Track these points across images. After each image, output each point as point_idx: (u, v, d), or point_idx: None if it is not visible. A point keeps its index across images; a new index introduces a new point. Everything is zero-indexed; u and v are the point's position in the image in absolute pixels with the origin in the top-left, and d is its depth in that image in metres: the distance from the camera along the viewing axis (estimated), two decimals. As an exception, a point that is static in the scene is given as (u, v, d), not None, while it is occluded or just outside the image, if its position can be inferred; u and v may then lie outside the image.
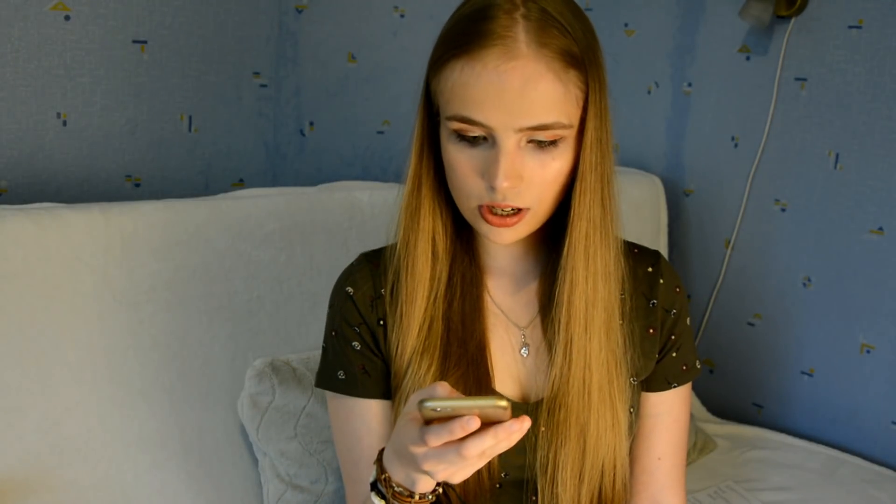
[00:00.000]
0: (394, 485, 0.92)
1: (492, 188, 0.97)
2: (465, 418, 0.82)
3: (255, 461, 1.47)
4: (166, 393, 1.42)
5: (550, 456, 1.05)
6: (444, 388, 0.87)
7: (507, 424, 0.82)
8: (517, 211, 0.99)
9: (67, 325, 1.34)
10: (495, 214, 0.99)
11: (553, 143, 0.97)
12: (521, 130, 0.95)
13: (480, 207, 0.99)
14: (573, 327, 1.04)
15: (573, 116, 0.98)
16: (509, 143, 0.96)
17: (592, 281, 1.03)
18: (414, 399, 0.88)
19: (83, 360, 1.35)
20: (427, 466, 0.86)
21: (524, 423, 0.83)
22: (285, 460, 1.42)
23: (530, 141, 0.97)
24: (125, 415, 1.38)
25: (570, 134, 0.98)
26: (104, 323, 1.37)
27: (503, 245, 1.03)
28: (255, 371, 1.42)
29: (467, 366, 1.05)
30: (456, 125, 0.97)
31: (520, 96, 0.94)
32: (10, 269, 1.30)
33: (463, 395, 0.84)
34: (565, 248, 1.03)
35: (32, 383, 1.31)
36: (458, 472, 0.87)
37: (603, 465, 1.06)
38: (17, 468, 1.29)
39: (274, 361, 1.44)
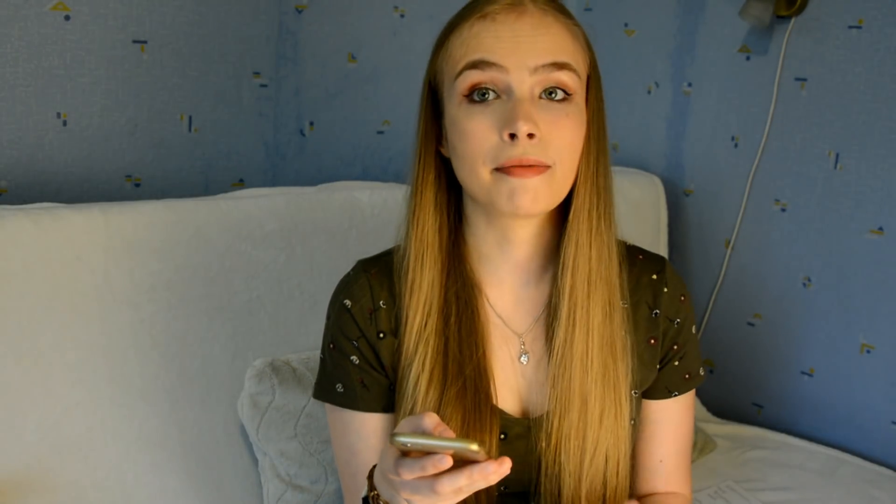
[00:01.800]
0: (381, 502, 0.92)
1: (512, 137, 0.96)
2: (438, 457, 0.81)
3: (255, 461, 1.47)
4: (166, 393, 1.42)
5: (550, 469, 1.05)
6: (431, 419, 0.85)
7: (482, 466, 0.81)
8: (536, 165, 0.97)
9: (67, 325, 1.34)
10: (516, 166, 0.96)
11: (564, 98, 0.99)
12: (535, 72, 0.97)
13: (500, 169, 0.97)
14: (577, 293, 1.03)
15: (581, 70, 1.01)
16: (524, 88, 0.97)
17: (596, 249, 1.04)
18: (398, 427, 0.88)
19: (83, 360, 1.35)
20: (404, 495, 0.86)
21: (503, 466, 0.82)
22: (285, 460, 1.42)
23: (542, 97, 0.98)
24: (125, 415, 1.38)
25: (580, 91, 1.00)
26: (104, 323, 1.37)
27: (522, 213, 0.99)
28: (255, 371, 1.42)
29: (464, 384, 1.04)
30: (469, 78, 0.98)
31: (532, 39, 0.97)
32: (10, 269, 1.30)
33: (435, 435, 0.83)
34: (571, 213, 1.03)
35: (32, 383, 1.31)
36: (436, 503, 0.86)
37: (606, 455, 1.05)
38: (17, 468, 1.29)
39: (274, 361, 1.44)
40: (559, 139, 0.98)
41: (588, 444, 1.04)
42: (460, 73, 0.98)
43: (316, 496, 1.43)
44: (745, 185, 2.06)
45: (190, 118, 1.99)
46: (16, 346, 1.30)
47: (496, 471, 0.81)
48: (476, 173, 0.99)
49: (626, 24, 2.23)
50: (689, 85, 2.14)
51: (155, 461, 1.39)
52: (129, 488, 1.37)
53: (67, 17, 1.78)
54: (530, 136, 0.96)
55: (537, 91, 0.98)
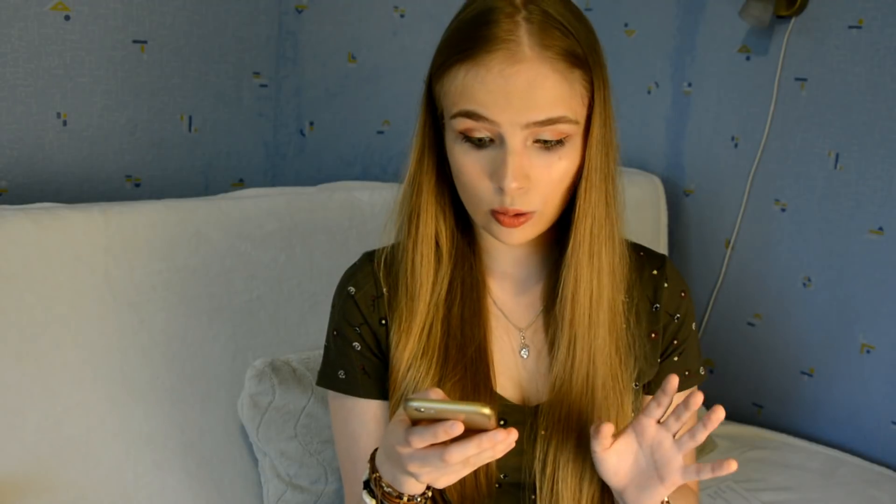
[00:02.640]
0: (383, 485, 0.92)
1: (500, 189, 0.96)
2: (449, 422, 0.82)
3: (255, 461, 1.47)
4: (166, 393, 1.42)
5: (550, 457, 1.05)
6: (436, 394, 0.87)
7: (491, 434, 0.82)
8: (522, 213, 0.99)
9: (67, 325, 1.34)
10: (507, 216, 0.99)
11: (559, 142, 0.97)
12: (527, 127, 0.95)
13: (492, 212, 0.99)
14: (577, 324, 1.04)
15: (579, 114, 0.98)
16: (516, 141, 0.95)
17: (597, 278, 1.03)
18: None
19: (83, 360, 1.35)
20: (411, 468, 0.86)
21: (511, 436, 0.83)
22: (285, 460, 1.42)
23: (536, 141, 0.97)
24: (125, 415, 1.38)
25: (577, 132, 0.98)
26: (104, 323, 1.37)
27: (511, 246, 1.03)
28: (255, 371, 1.42)
29: (465, 370, 1.04)
30: (462, 123, 0.97)
31: (525, 96, 0.94)
32: (10, 269, 1.30)
33: (450, 399, 0.84)
34: (570, 246, 1.03)
35: (32, 383, 1.31)
36: (442, 476, 0.87)
37: None
38: (17, 468, 1.29)
39: (274, 361, 1.44)
40: (548, 184, 0.98)
41: (587, 468, 1.04)
42: (454, 116, 0.98)
43: (316, 496, 1.43)
44: (745, 185, 2.06)
45: (190, 118, 1.99)
46: (16, 346, 1.30)
47: (504, 440, 0.82)
48: (472, 205, 1.01)
49: (626, 24, 2.23)
50: (689, 85, 2.14)
51: (155, 461, 1.39)
52: (129, 488, 1.37)
53: (67, 17, 1.78)
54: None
55: (530, 140, 0.97)
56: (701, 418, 0.95)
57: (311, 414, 1.43)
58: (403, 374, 1.06)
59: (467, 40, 0.96)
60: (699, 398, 0.94)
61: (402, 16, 2.18)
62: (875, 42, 1.83)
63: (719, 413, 0.93)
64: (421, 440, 0.84)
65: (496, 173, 0.97)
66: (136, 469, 1.38)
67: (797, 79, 1.96)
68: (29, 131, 1.77)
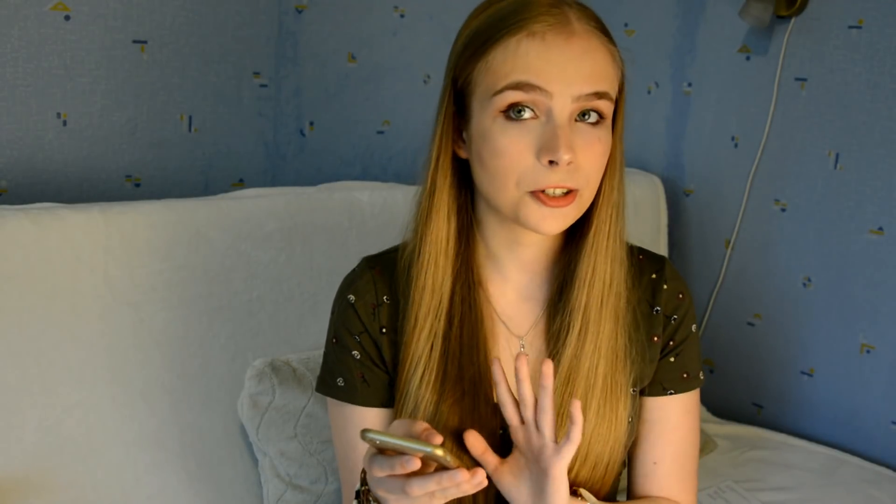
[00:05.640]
0: (371, 499, 0.93)
1: (551, 163, 0.95)
2: (406, 458, 0.82)
3: (255, 461, 1.47)
4: (166, 393, 1.42)
5: None
6: (419, 425, 0.87)
7: (452, 474, 0.82)
8: (567, 193, 0.98)
9: (67, 325, 1.34)
10: (550, 196, 0.97)
11: (598, 122, 0.99)
12: (577, 100, 0.96)
13: (534, 193, 0.97)
14: (590, 310, 1.04)
15: (615, 95, 1.01)
16: (564, 114, 0.96)
17: (611, 265, 1.04)
18: (393, 425, 0.91)
19: (83, 360, 1.35)
20: (379, 492, 0.88)
21: (477, 478, 0.82)
22: (285, 460, 1.42)
23: (577, 120, 0.98)
24: (125, 415, 1.38)
25: (610, 116, 1.01)
26: (104, 323, 1.37)
27: (546, 233, 1.00)
28: (255, 371, 1.42)
29: (465, 384, 1.04)
30: (509, 97, 0.96)
31: (579, 66, 0.96)
32: (10, 269, 1.30)
33: (403, 436, 0.84)
34: (592, 229, 1.03)
35: (32, 383, 1.31)
36: None
37: (596, 462, 1.06)
38: (17, 468, 1.29)
39: (274, 361, 1.44)
40: (589, 164, 0.98)
41: (580, 451, 1.05)
42: (501, 90, 0.97)
43: (316, 496, 1.43)
44: (745, 185, 2.06)
45: (190, 118, 1.99)
46: (16, 346, 1.30)
47: (468, 480, 0.82)
48: (506, 190, 0.98)
49: (626, 24, 2.23)
50: (689, 85, 2.14)
51: (155, 461, 1.39)
52: (129, 488, 1.37)
53: (67, 17, 1.78)
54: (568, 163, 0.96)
55: (574, 116, 0.97)
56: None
57: (311, 414, 1.43)
58: (406, 387, 1.05)
59: (514, 15, 0.98)
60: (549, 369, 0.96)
61: (402, 16, 2.18)
62: (875, 42, 1.83)
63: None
64: (380, 469, 0.84)
65: (545, 147, 0.95)
66: (136, 469, 1.38)
67: (797, 79, 1.96)
68: (29, 131, 1.77)
